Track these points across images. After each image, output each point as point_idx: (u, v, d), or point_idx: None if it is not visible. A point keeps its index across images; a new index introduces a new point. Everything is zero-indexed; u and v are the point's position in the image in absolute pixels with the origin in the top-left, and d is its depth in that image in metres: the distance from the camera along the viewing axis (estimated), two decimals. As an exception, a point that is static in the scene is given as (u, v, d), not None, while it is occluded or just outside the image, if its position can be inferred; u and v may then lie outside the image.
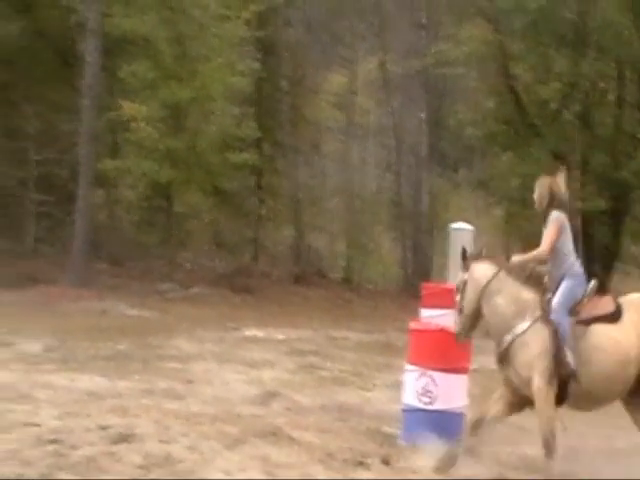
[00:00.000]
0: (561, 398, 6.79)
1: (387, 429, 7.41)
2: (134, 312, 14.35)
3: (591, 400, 6.94)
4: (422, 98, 24.28)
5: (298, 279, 21.80)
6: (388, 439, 7.04)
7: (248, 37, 21.53)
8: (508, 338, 6.85)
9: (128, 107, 19.57)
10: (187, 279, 19.28)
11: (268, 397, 8.43)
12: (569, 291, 7.11)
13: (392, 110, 25.30)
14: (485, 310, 6.99)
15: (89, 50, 19.85)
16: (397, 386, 9.45)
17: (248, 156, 21.31)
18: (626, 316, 6.95)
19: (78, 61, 20.61)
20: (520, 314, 6.97)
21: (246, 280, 20.27)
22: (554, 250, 7.08)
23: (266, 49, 23.69)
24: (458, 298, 7.14)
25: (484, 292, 7.01)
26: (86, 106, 19.79)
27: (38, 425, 6.74)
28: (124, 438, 6.45)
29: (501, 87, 22.62)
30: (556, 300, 6.99)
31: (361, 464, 6.20)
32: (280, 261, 23.56)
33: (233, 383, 8.99)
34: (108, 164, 20.19)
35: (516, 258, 7.22)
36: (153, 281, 18.88)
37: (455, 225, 8.50)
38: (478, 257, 7.24)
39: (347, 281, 23.57)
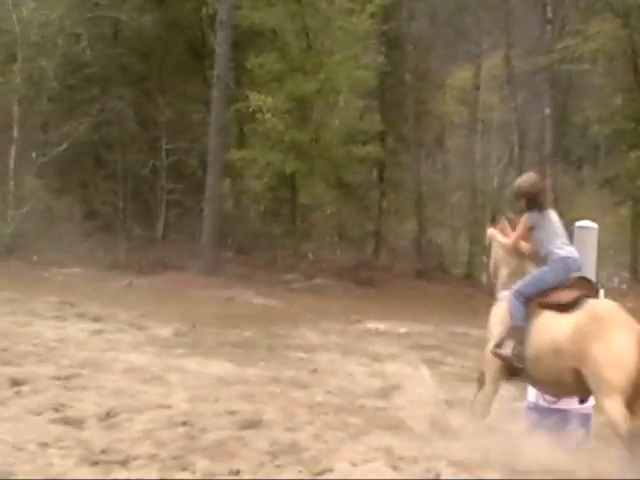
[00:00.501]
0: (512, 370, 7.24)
1: (511, 427, 7.34)
2: (260, 301, 14.57)
3: (534, 380, 7.32)
4: (547, 94, 23.83)
5: (420, 273, 21.74)
6: (513, 437, 6.97)
7: (373, 30, 21.60)
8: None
9: (255, 98, 19.88)
10: (311, 270, 19.45)
11: (391, 390, 8.44)
12: (538, 275, 7.74)
13: (516, 106, 24.95)
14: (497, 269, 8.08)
15: (219, 42, 20.24)
16: (521, 384, 9.40)
17: (371, 149, 21.40)
18: (576, 313, 7.15)
19: (209, 53, 21.04)
20: (506, 285, 7.78)
21: (368, 273, 20.33)
22: (534, 242, 7.77)
23: (390, 43, 23.71)
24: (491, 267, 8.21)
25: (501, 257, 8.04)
26: (215, 97, 20.19)
27: (170, 407, 6.93)
28: (252, 424, 6.58)
29: (630, 84, 22.08)
30: (521, 281, 7.64)
31: (485, 462, 6.13)
32: (402, 255, 23.52)
33: (356, 375, 9.01)
34: (235, 154, 20.56)
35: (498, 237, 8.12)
36: (278, 271, 19.13)
37: (580, 223, 8.51)
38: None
39: (469, 277, 23.40)
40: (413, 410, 7.70)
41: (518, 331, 7.39)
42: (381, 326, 13.35)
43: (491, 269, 8.25)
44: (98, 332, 10.69)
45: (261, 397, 7.54)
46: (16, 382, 7.32)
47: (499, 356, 7.27)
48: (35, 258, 17.92)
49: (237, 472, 5.57)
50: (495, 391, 7.41)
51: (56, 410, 6.58)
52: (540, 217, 7.94)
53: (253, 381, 8.32)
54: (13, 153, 19.73)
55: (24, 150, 19.93)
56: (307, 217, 22.59)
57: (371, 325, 13.33)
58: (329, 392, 8.03)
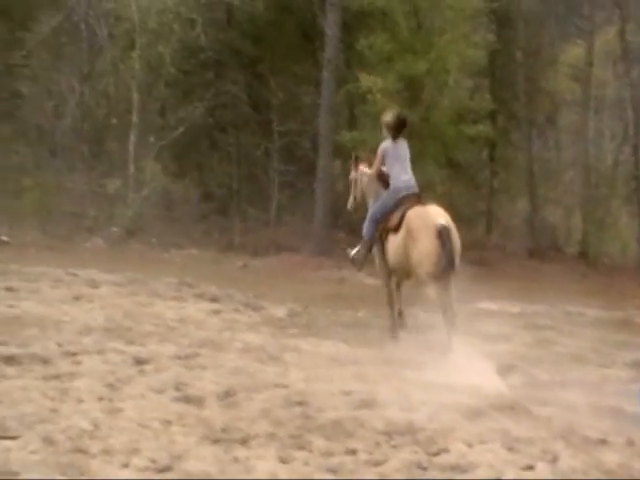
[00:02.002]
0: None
1: (629, 408, 7.27)
2: (371, 281, 14.61)
3: (398, 276, 10.12)
4: (662, 69, 23.26)
5: (532, 253, 21.50)
6: (631, 419, 6.90)
7: (483, 9, 21.36)
8: None
9: (365, 79, 19.91)
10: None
11: (505, 370, 8.42)
12: (381, 202, 10.06)
13: (630, 82, 24.32)
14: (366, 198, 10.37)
15: (329, 24, 20.37)
16: (638, 365, 9.28)
17: (482, 128, 21.21)
18: (401, 229, 9.67)
19: (319, 35, 21.18)
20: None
21: (480, 253, 20.19)
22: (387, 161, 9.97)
23: (501, 20, 23.44)
24: (352, 196, 10.72)
25: (366, 186, 10.37)
26: (326, 79, 20.34)
27: (286, 387, 7.07)
28: (366, 404, 6.67)
29: None
30: (371, 208, 10.19)
31: (604, 442, 6.05)
32: (514, 234, 23.30)
33: (469, 355, 8.99)
34: (345, 135, 20.65)
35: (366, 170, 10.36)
36: (389, 251, 19.13)
37: None
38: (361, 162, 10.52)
39: (583, 256, 22.97)
40: (528, 390, 7.69)
41: (366, 244, 10.12)
42: (493, 306, 13.29)
43: (357, 198, 10.60)
44: (216, 312, 10.94)
45: (374, 377, 7.63)
46: (139, 361, 7.56)
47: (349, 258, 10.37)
48: (154, 240, 18.41)
49: (354, 452, 5.67)
50: (389, 285, 10.20)
51: (177, 389, 6.76)
52: (391, 146, 10.00)
53: (366, 361, 8.40)
54: (133, 138, 20.27)
55: (143, 135, 20.47)
56: (418, 197, 22.53)
57: (483, 305, 13.26)
58: (442, 372, 8.04)
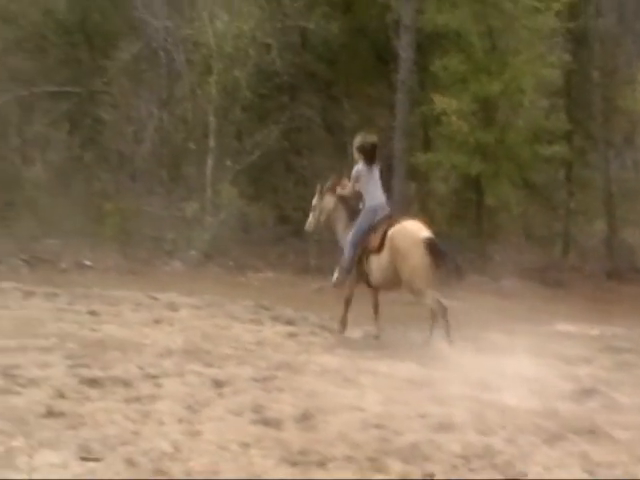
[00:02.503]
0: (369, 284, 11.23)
1: None
2: (446, 303, 14.58)
3: (384, 287, 11.22)
4: None
5: (611, 274, 21.15)
6: None
7: (559, 28, 21.20)
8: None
9: (439, 101, 19.89)
10: (497, 272, 19.30)
11: (584, 394, 8.33)
12: (358, 225, 11.07)
13: None
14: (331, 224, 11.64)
15: (403, 46, 20.48)
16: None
17: (558, 148, 21.01)
18: (384, 249, 10.75)
19: (393, 57, 21.26)
20: (343, 232, 11.42)
21: (557, 274, 19.99)
22: (361, 185, 11.08)
23: (577, 40, 23.20)
24: (311, 216, 11.89)
25: (330, 214, 11.63)
26: (400, 101, 20.41)
27: (363, 409, 7.12)
28: (443, 427, 6.68)
29: None
30: (350, 233, 11.15)
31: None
32: (591, 256, 22.96)
33: (547, 378, 8.93)
34: (420, 157, 20.67)
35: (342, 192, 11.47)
36: (463, 273, 19.02)
37: None
38: (327, 191, 11.67)
39: (664, 278, 22.57)
40: (608, 414, 7.60)
41: (346, 268, 11.16)
42: (571, 328, 13.14)
43: (321, 221, 11.74)
44: (292, 335, 11.02)
45: (451, 399, 7.63)
46: (218, 383, 7.69)
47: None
48: (231, 263, 18.61)
49: (431, 475, 5.68)
50: (350, 298, 11.36)
51: (255, 411, 6.86)
52: (366, 170, 11.07)
53: (442, 383, 8.37)
54: (210, 162, 20.56)
55: (220, 159, 20.74)
56: (493, 219, 22.40)
57: (560, 327, 13.14)
58: (519, 395, 8.00)
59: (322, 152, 22.67)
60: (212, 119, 20.77)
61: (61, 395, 6.90)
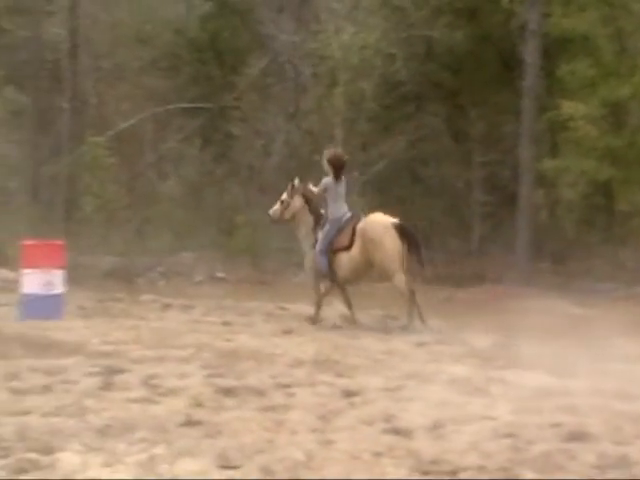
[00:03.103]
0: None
1: None
2: (577, 311, 14.37)
3: (352, 280, 12.58)
4: None
5: None
6: None
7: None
8: (305, 249, 12.73)
9: (567, 106, 19.58)
10: (630, 278, 18.86)
11: None
12: (325, 234, 12.22)
13: None
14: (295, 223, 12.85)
15: (529, 51, 20.25)
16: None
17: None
18: (355, 243, 11.98)
19: (518, 63, 21.05)
20: (305, 237, 12.69)
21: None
22: (328, 196, 12.33)
23: None
24: (279, 207, 12.84)
25: (296, 214, 12.70)
26: (526, 107, 20.18)
27: (494, 419, 7.08)
28: (577, 436, 6.57)
29: None
30: (320, 238, 12.26)
31: None
32: None
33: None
34: (547, 164, 20.38)
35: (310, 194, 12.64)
36: (594, 280, 18.72)
37: None
38: (297, 191, 12.68)
39: None
40: None
41: (323, 274, 12.34)
42: None
43: (285, 217, 12.81)
44: (420, 344, 11.05)
45: (584, 409, 7.51)
46: (349, 393, 7.79)
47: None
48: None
49: (566, 485, 5.65)
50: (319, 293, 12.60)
51: (386, 421, 6.91)
52: (333, 184, 12.30)
53: (575, 392, 8.22)
54: (338, 174, 20.76)
55: (346, 170, 20.90)
56: (625, 224, 21.90)
57: None
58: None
59: (448, 161, 22.61)
60: (338, 131, 20.99)
61: (199, 404, 7.13)
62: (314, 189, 12.71)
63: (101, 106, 22.35)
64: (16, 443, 5.82)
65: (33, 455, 5.62)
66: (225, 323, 11.80)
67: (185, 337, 10.49)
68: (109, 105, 22.68)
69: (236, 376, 8.15)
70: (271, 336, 11.06)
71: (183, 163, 22.83)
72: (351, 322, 12.47)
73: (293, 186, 12.87)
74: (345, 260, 12.11)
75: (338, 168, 12.48)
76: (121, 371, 8.16)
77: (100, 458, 5.68)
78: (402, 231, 12.09)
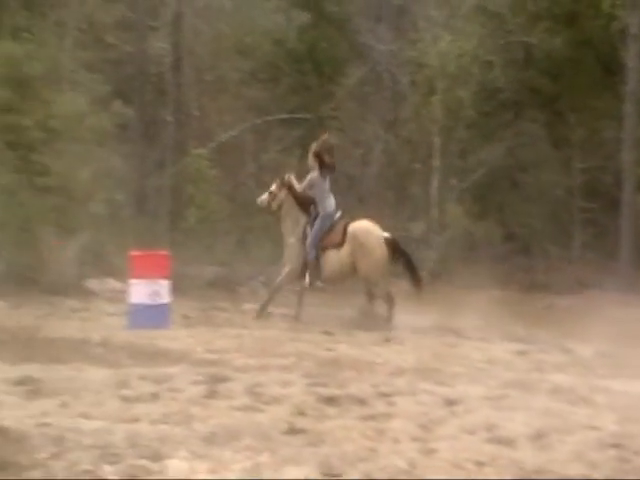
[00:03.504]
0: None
1: None
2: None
3: (333, 282, 13.13)
4: None
5: None
6: None
7: None
8: (289, 241, 12.97)
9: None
10: None
11: None
12: (318, 228, 12.53)
13: None
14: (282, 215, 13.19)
15: (631, 56, 19.96)
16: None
17: None
18: (345, 244, 12.45)
19: (620, 68, 20.74)
20: (294, 231, 12.90)
21: None
22: (315, 192, 12.66)
23: None
24: (266, 196, 13.18)
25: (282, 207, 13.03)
26: (628, 112, 19.88)
27: (599, 429, 7.02)
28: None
29: None
30: (311, 233, 12.57)
31: None
32: None
33: None
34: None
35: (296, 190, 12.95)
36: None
37: None
38: (285, 184, 13.00)
39: None
40: None
41: (313, 264, 12.60)
42: None
43: (272, 207, 13.14)
44: (522, 353, 10.98)
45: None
46: (450, 402, 7.79)
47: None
48: (458, 282, 18.67)
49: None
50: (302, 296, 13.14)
51: (488, 430, 6.89)
52: (320, 180, 12.58)
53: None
54: (435, 181, 20.80)
55: (445, 178, 20.95)
56: None
57: None
58: None
59: (548, 168, 22.33)
60: (436, 139, 21.00)
61: (301, 412, 7.22)
62: (297, 185, 13.03)
63: (203, 118, 22.71)
64: (126, 450, 5.98)
65: (143, 461, 5.78)
66: (326, 332, 11.91)
67: (286, 346, 10.64)
68: (211, 117, 23.02)
69: (337, 385, 8.22)
70: (371, 345, 11.14)
71: (283, 173, 23.06)
72: (297, 319, 13.08)
73: (283, 179, 13.18)
74: (334, 259, 12.59)
75: (326, 167, 12.82)
76: (225, 379, 8.30)
77: (206, 465, 5.82)
78: (394, 247, 12.78)
